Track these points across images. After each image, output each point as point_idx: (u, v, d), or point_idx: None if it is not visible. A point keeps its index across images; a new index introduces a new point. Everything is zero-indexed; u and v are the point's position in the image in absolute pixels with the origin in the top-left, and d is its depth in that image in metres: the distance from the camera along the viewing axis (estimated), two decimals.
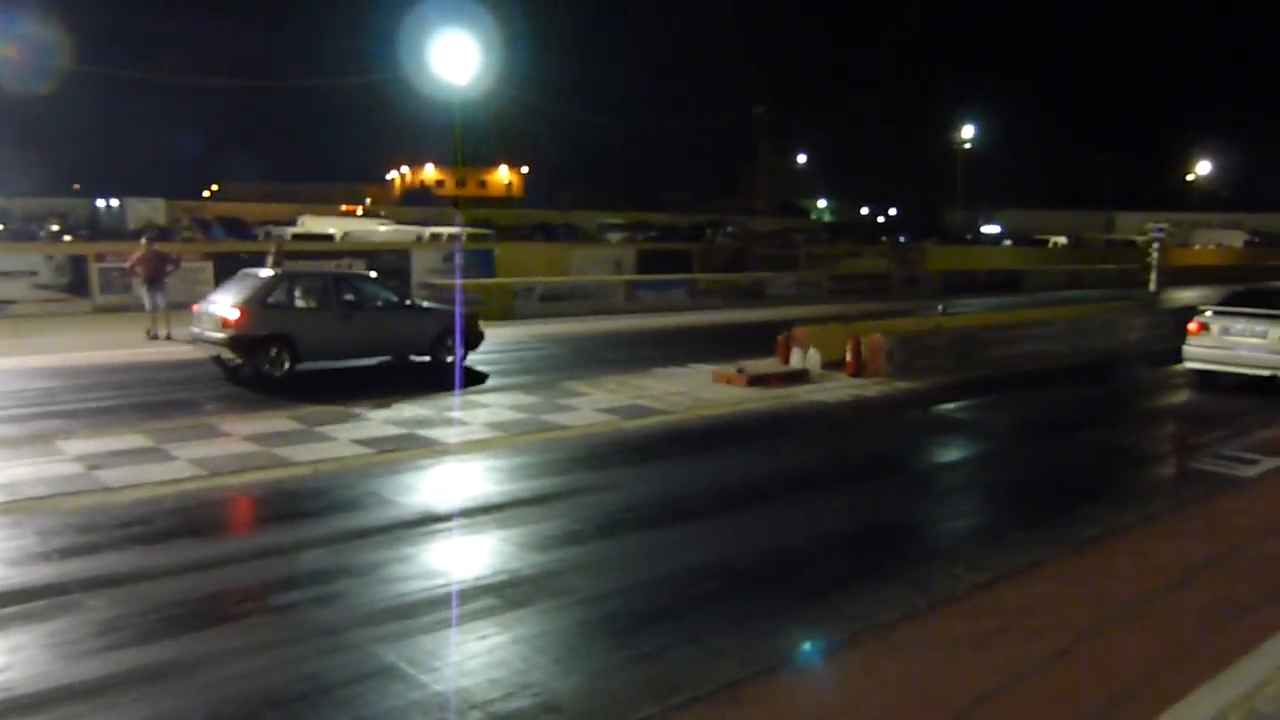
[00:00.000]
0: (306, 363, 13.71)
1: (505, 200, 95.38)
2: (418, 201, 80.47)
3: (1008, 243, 63.12)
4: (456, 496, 8.62)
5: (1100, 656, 5.61)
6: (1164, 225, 27.44)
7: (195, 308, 13.96)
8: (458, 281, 15.18)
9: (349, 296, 14.35)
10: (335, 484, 8.87)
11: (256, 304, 13.28)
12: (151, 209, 49.47)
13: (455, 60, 17.37)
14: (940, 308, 19.58)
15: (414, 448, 10.14)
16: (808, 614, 6.15)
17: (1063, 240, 61.38)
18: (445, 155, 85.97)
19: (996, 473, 10.57)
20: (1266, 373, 14.34)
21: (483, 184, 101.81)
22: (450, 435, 10.70)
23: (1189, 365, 15.18)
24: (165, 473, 8.83)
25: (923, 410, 13.57)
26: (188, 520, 7.74)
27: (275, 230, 39.68)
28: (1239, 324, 14.57)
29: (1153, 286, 24.59)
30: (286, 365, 13.40)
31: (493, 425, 11.23)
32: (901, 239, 56.87)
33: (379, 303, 14.66)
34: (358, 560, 6.99)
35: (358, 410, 11.67)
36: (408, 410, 11.81)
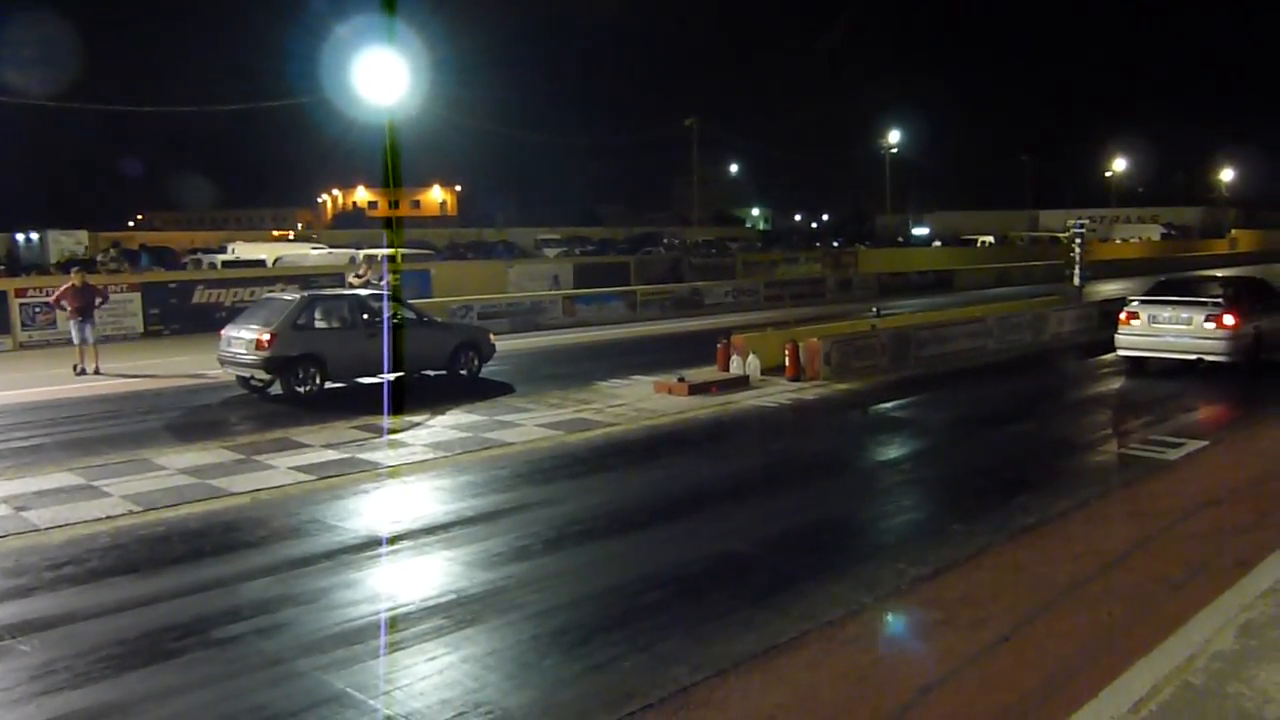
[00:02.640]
0: (334, 381, 14.36)
1: (440, 219, 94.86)
2: (350, 224, 79.57)
3: (937, 244, 64.47)
4: (401, 518, 8.54)
5: (1039, 641, 5.77)
6: (1085, 221, 28.20)
7: (222, 332, 14.61)
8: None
9: (371, 316, 14.82)
10: (276, 512, 8.72)
11: (287, 327, 13.87)
12: (74, 241, 48.08)
13: (382, 81, 17.23)
14: (875, 309, 19.87)
15: (355, 472, 10.03)
16: (756, 616, 6.21)
17: (990, 239, 62.87)
18: (376, 177, 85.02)
19: (935, 468, 10.78)
20: (1192, 356, 15.08)
21: (416, 204, 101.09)
22: (392, 457, 10.60)
23: (1121, 352, 15.84)
24: (97, 510, 8.61)
25: (861, 410, 13.79)
26: (123, 557, 7.55)
27: (206, 257, 38.90)
28: (1165, 312, 15.25)
29: (1077, 280, 25.24)
30: (317, 383, 14.02)
31: (435, 445, 11.15)
32: (835, 244, 57.76)
33: (398, 321, 15.02)
34: (302, 588, 6.89)
35: (297, 437, 11.51)
36: (348, 434, 11.68)
